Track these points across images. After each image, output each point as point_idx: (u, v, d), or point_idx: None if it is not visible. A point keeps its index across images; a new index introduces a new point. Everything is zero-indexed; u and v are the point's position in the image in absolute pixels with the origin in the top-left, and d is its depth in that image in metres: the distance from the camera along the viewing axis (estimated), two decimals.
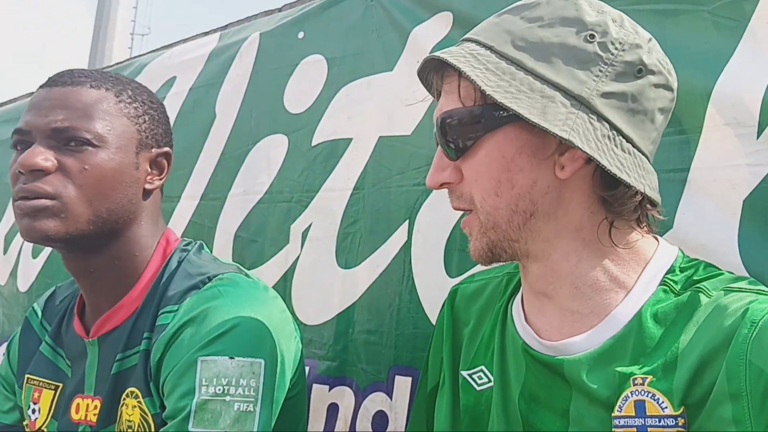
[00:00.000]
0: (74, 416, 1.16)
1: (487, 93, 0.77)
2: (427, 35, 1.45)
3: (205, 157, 1.89)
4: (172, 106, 2.01)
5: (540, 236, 0.84)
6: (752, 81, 1.00)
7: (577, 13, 0.81)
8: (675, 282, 0.82)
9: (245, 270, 1.18)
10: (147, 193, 1.17)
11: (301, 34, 1.72)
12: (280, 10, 1.88)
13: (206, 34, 2.10)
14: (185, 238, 1.24)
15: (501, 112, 0.80)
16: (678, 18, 1.09)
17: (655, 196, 0.83)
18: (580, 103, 0.78)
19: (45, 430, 1.20)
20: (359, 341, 1.46)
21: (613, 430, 0.78)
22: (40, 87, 1.13)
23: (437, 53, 0.84)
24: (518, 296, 0.95)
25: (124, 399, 1.09)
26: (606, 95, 0.79)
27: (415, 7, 1.49)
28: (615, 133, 0.79)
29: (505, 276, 1.02)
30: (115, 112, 1.11)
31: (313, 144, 1.63)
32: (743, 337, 0.71)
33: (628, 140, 0.80)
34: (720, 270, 0.84)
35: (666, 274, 0.84)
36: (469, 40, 0.86)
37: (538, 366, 0.87)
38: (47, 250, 2.38)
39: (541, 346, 0.87)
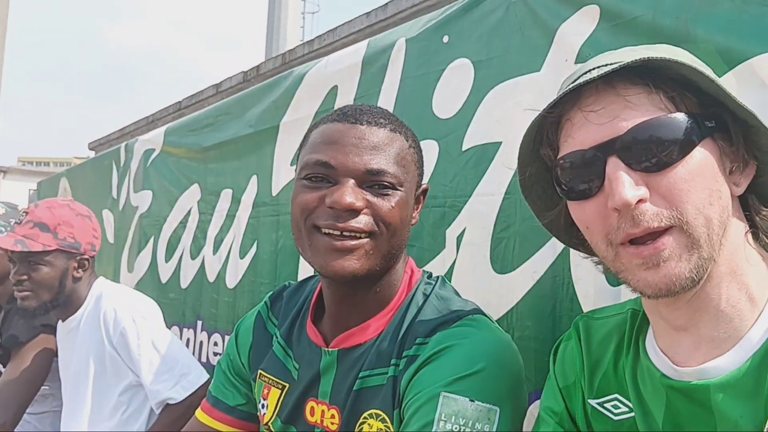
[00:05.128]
0: (309, 418, 1.23)
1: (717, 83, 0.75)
2: (574, 32, 1.39)
3: None
4: None
5: (720, 258, 0.80)
6: None
7: None
8: None
9: (486, 314, 1.20)
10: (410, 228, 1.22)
11: (445, 38, 1.70)
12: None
13: (354, 41, 2.16)
14: (425, 270, 1.29)
15: (709, 122, 0.77)
16: None
17: None
18: None
19: (270, 426, 1.29)
20: (520, 348, 1.44)
21: None
22: (335, 121, 1.16)
23: (651, 56, 0.77)
24: (650, 331, 0.91)
25: (367, 418, 1.14)
26: None
27: (558, 3, 1.43)
28: None
29: (629, 311, 0.98)
30: (409, 157, 1.17)
31: (464, 149, 1.62)
32: None
33: None
34: None
35: None
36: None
37: (678, 395, 0.83)
38: (253, 251, 2.48)
39: (679, 374, 0.84)
